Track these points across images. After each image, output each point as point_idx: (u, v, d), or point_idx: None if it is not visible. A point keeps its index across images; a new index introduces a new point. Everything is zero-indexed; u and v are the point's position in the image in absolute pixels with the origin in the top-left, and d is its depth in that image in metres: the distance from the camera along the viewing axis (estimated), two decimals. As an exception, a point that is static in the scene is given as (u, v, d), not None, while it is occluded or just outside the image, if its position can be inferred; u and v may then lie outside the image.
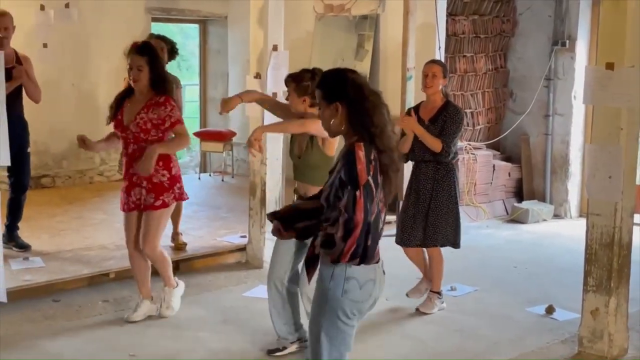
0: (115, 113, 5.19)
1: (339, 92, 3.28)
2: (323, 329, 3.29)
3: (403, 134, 5.67)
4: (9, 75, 5.36)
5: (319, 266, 3.33)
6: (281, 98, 5.93)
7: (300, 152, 4.74)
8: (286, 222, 3.38)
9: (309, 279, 3.42)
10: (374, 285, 3.30)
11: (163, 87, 5.13)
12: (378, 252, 3.30)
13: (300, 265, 4.61)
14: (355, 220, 3.12)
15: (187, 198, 5.44)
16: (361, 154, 3.16)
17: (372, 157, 3.20)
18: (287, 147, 5.47)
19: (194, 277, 6.34)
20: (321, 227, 3.26)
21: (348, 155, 3.20)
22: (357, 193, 3.12)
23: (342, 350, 3.33)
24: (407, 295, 5.79)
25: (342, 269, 3.23)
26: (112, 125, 5.24)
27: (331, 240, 3.18)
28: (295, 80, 4.70)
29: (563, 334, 5.34)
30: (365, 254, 3.20)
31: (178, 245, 6.71)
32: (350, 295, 3.25)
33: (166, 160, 5.16)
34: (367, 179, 3.14)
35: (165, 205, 5.17)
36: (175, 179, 5.23)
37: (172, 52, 6.75)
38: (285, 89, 4.87)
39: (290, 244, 4.60)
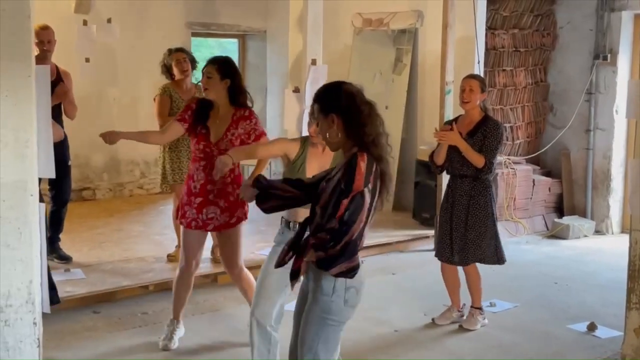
0: (196, 126, 4.94)
1: (333, 104, 3.37)
2: (320, 339, 3.36)
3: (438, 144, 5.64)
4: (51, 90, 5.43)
5: (315, 282, 3.37)
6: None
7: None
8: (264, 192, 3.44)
9: (301, 273, 3.42)
10: (362, 286, 3.42)
11: (241, 100, 4.94)
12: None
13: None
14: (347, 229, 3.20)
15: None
16: (362, 164, 3.23)
17: (373, 168, 3.27)
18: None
19: (232, 290, 6.33)
20: (313, 237, 3.30)
21: (349, 164, 3.26)
22: (344, 200, 3.19)
23: (333, 352, 3.43)
24: (433, 320, 5.73)
25: (342, 280, 3.31)
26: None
27: (323, 244, 3.24)
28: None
29: (605, 352, 5.26)
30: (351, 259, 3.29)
31: (217, 258, 6.73)
32: (350, 303, 3.37)
33: (237, 178, 5.05)
34: (362, 189, 3.21)
35: (239, 220, 5.02)
36: None
37: (193, 62, 6.97)
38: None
39: (281, 276, 4.12)
